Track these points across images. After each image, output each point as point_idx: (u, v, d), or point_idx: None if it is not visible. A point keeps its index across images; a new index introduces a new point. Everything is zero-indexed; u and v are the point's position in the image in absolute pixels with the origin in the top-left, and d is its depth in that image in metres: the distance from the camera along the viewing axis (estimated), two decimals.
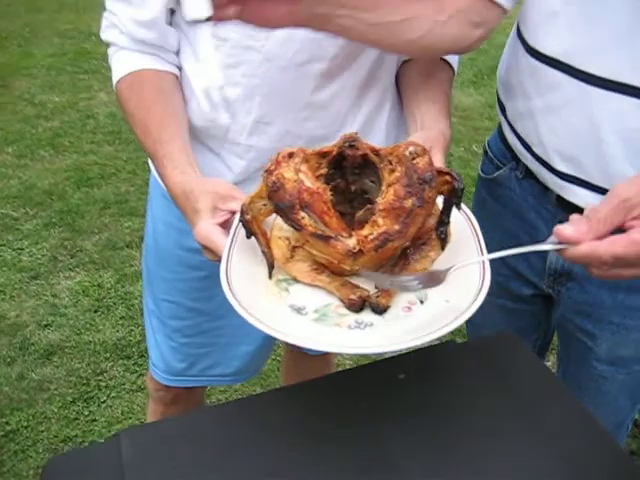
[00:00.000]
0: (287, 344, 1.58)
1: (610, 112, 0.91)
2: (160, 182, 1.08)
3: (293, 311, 0.72)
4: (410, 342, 0.63)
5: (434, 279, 0.69)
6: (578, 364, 1.20)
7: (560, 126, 0.98)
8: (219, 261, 0.78)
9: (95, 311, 2.49)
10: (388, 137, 1.12)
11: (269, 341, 1.33)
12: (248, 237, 0.76)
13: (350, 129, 1.05)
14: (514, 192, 1.15)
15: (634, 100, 0.88)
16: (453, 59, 1.08)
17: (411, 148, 0.70)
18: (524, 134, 1.06)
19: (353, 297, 0.71)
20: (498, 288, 1.24)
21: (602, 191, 0.97)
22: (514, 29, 1.07)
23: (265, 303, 0.72)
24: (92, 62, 4.48)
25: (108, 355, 2.29)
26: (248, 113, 1.02)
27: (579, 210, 1.01)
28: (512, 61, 1.06)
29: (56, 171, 3.33)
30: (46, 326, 2.39)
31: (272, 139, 1.03)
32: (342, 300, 0.73)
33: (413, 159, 0.69)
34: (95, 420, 2.07)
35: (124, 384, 2.20)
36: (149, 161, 1.15)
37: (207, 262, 0.88)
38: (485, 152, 1.23)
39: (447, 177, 0.73)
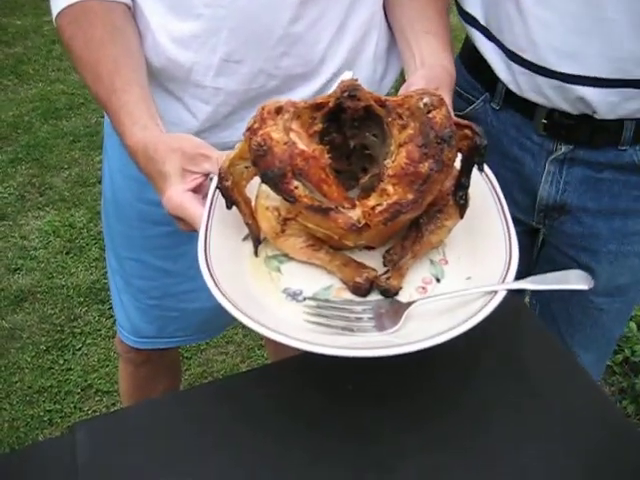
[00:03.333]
0: None
1: None
2: None
3: (288, 297, 0.61)
4: (434, 339, 0.52)
5: (388, 315, 0.57)
6: (570, 300, 1.15)
7: (555, 17, 0.89)
8: (194, 232, 0.66)
9: (67, 253, 2.36)
10: (375, 73, 0.99)
11: None
12: (229, 207, 0.63)
13: (332, 64, 0.92)
14: (491, 126, 1.05)
15: None
16: None
17: (426, 99, 0.57)
18: (512, 42, 0.95)
19: (359, 280, 0.60)
20: None
21: (606, 83, 0.90)
22: None
23: (254, 288, 0.61)
24: None
25: (82, 300, 2.18)
26: (214, 50, 0.87)
27: (571, 133, 0.97)
28: None
29: (21, 102, 3.13)
30: (16, 270, 2.26)
31: (243, 80, 0.89)
32: (345, 282, 0.62)
33: (428, 112, 0.57)
34: (70, 369, 1.98)
35: (100, 330, 2.10)
36: None
37: (167, 218, 0.75)
38: None
39: (467, 131, 0.60)
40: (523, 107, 1.00)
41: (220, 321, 1.28)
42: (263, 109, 0.59)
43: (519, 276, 1.22)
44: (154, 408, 0.72)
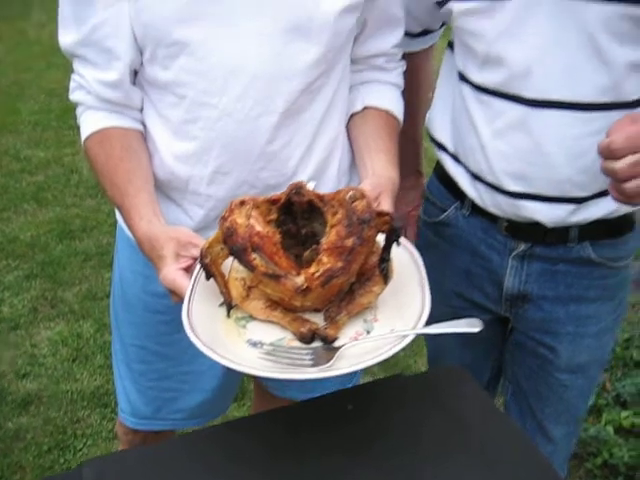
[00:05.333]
0: (255, 386, 1.62)
1: (549, 127, 1.04)
2: (126, 232, 1.16)
3: (250, 345, 0.78)
4: (353, 367, 0.70)
5: (324, 357, 0.76)
6: (538, 378, 1.29)
7: (508, 149, 1.10)
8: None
9: (73, 360, 2.51)
10: (339, 184, 1.18)
11: (231, 383, 1.38)
12: (207, 279, 0.83)
13: (302, 177, 1.11)
14: (462, 230, 1.24)
15: (566, 112, 1.02)
16: (399, 111, 1.17)
17: (351, 193, 0.78)
18: (475, 167, 1.16)
19: (303, 330, 0.78)
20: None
21: (551, 200, 1.10)
22: (453, 77, 1.19)
23: (224, 339, 0.78)
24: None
25: (85, 404, 2.31)
26: (206, 164, 1.08)
27: (528, 234, 1.16)
28: (458, 102, 1.18)
29: (39, 224, 3.39)
30: (24, 376, 2.41)
31: (230, 188, 1.09)
32: (294, 333, 0.80)
33: (353, 202, 0.77)
34: (70, 468, 2.06)
35: (101, 432, 2.21)
36: (117, 213, 1.22)
37: (172, 307, 0.93)
38: (426, 198, 1.32)
39: (386, 218, 0.80)
40: (488, 215, 1.19)
41: (213, 408, 1.42)
42: (232, 203, 0.80)
43: (495, 365, 1.36)
44: (154, 451, 0.86)
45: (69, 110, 4.74)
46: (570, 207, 1.11)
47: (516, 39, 1.03)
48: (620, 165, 0.83)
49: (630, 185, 0.84)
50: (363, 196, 0.78)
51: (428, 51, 1.34)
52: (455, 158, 1.22)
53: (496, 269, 1.22)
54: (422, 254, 1.25)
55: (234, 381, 1.43)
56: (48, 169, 3.95)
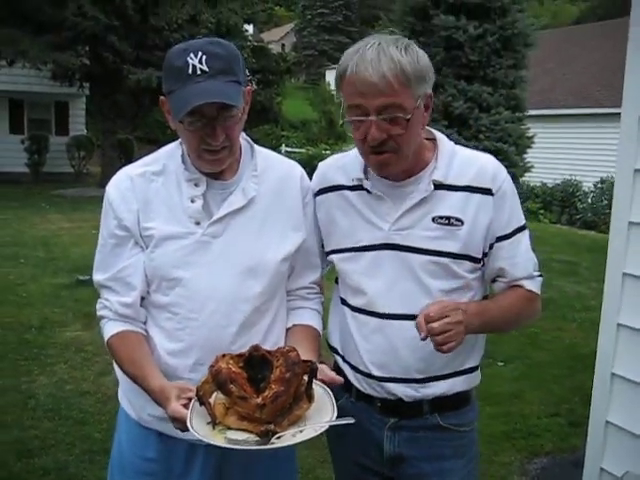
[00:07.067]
0: None
1: (396, 331, 1.62)
2: (127, 410, 1.69)
3: (228, 441, 1.30)
4: (286, 442, 1.24)
5: (262, 442, 1.30)
6: None
7: (372, 348, 1.67)
8: (184, 429, 1.35)
9: None
10: None
11: None
12: (200, 405, 1.35)
13: None
14: (352, 412, 1.68)
15: (406, 322, 1.59)
16: (318, 325, 1.75)
17: (286, 347, 1.36)
18: (354, 362, 1.72)
19: (262, 429, 1.31)
20: None
21: (404, 381, 1.64)
22: (339, 302, 1.78)
23: (211, 439, 1.30)
24: (33, 350, 5.04)
25: None
26: (189, 358, 1.62)
27: (395, 411, 1.68)
28: (342, 319, 1.76)
29: None
30: None
31: (204, 374, 1.46)
32: (256, 433, 1.32)
33: (288, 352, 1.35)
34: None
35: None
36: (119, 397, 1.75)
37: (156, 470, 1.46)
38: None
39: (308, 363, 1.38)
40: (367, 399, 1.70)
41: None
42: (217, 356, 1.36)
43: None
44: None
45: (24, 343, 5.18)
46: (416, 385, 1.65)
47: (371, 277, 1.65)
48: (436, 325, 1.43)
49: (439, 337, 1.42)
50: (294, 349, 1.36)
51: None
52: (343, 358, 1.77)
53: (377, 439, 1.71)
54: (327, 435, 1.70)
55: None
56: (6, 396, 4.25)
